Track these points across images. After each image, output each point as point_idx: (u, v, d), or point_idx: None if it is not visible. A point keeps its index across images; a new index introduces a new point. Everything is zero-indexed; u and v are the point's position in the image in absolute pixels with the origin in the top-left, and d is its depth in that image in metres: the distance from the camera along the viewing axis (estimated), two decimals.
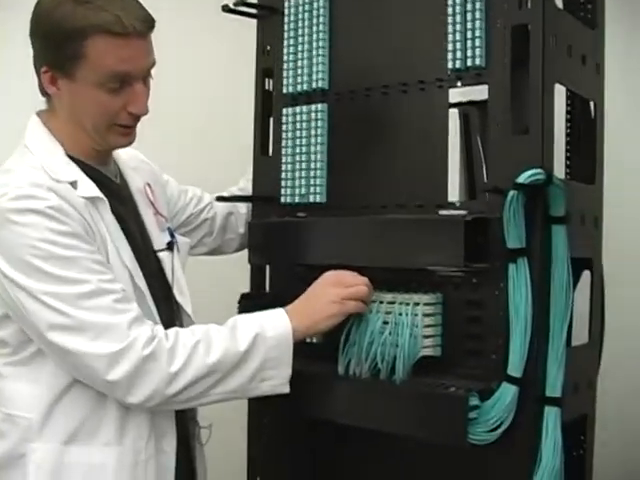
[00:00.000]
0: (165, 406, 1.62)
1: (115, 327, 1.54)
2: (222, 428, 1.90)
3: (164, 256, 1.81)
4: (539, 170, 1.52)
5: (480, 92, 1.68)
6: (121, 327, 1.54)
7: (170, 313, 1.78)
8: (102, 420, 1.63)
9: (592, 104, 1.84)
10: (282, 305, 1.72)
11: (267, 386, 1.64)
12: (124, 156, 1.85)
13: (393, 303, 1.67)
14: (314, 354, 1.84)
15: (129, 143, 1.73)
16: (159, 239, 1.82)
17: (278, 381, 1.64)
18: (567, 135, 1.90)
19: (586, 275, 1.87)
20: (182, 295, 1.82)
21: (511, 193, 1.52)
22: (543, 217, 1.57)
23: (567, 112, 1.87)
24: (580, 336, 1.86)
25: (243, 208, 2.07)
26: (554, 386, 1.58)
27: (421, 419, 1.60)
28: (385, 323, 1.66)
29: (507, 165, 1.58)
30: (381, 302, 1.68)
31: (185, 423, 1.82)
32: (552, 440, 1.56)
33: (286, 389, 1.65)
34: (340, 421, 1.72)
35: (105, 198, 1.66)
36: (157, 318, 1.68)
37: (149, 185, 1.85)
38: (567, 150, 1.90)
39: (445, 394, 1.57)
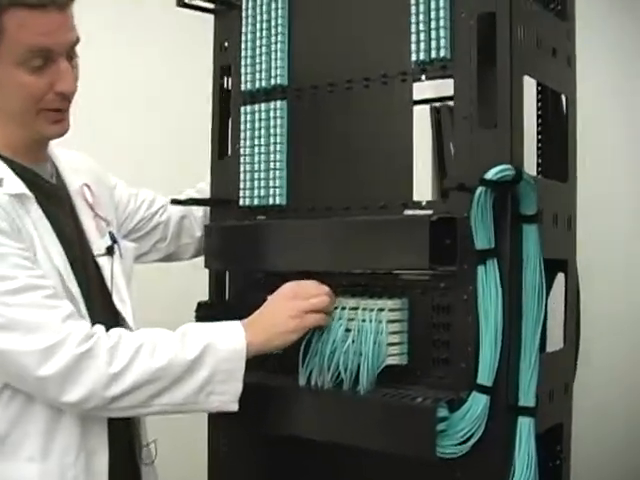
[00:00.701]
0: (104, 411, 1.51)
1: (47, 323, 1.45)
2: (175, 445, 1.79)
3: (103, 262, 1.71)
4: (508, 166, 1.44)
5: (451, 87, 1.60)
6: (53, 322, 1.45)
7: (109, 322, 1.68)
8: (27, 433, 1.52)
9: (564, 98, 1.76)
10: (242, 315, 1.63)
11: (215, 401, 1.54)
12: (65, 157, 1.75)
13: (356, 309, 1.58)
14: (272, 366, 1.75)
15: (63, 131, 1.63)
16: (98, 243, 1.72)
17: (227, 397, 1.54)
18: (538, 131, 1.81)
19: (560, 278, 1.79)
20: (122, 303, 1.72)
21: (478, 190, 1.43)
22: (513, 216, 1.48)
23: (538, 107, 1.78)
24: (555, 341, 1.78)
25: (199, 211, 1.98)
26: (527, 395, 1.49)
27: (387, 432, 1.51)
28: (348, 330, 1.57)
29: (474, 161, 1.50)
30: (343, 308, 1.59)
31: (128, 440, 1.72)
32: (525, 452, 1.47)
33: (235, 407, 1.55)
34: (303, 436, 1.62)
35: (32, 195, 1.56)
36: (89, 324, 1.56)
37: (88, 186, 1.75)
38: (538, 147, 1.82)
39: (412, 405, 1.48)
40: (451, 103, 1.61)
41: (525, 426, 1.48)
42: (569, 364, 1.78)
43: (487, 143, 1.49)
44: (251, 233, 1.74)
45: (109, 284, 1.69)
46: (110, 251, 1.71)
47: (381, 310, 1.54)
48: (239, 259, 1.76)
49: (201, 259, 2.00)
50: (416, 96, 1.62)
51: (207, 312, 1.80)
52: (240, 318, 1.76)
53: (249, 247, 1.73)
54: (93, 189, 1.76)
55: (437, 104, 2.16)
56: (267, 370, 1.74)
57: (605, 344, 1.92)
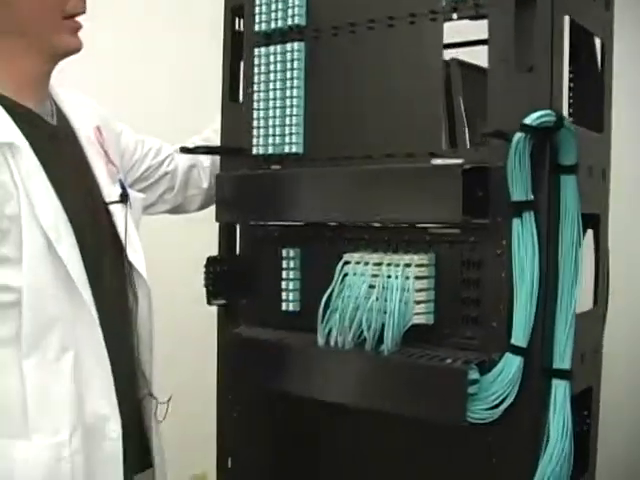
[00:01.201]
0: None
1: None
2: (179, 403, 1.71)
3: (116, 210, 1.61)
4: (548, 111, 1.33)
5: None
6: None
7: (121, 276, 1.60)
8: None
9: (599, 42, 1.65)
10: (254, 270, 1.53)
11: None
12: (68, 97, 1.63)
13: (380, 265, 1.48)
14: (289, 324, 1.66)
15: (80, 45, 1.53)
16: (110, 190, 1.61)
17: None
18: (570, 77, 1.70)
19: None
20: (136, 254, 1.63)
21: (517, 136, 1.33)
22: (551, 166, 1.38)
23: (571, 51, 1.67)
24: (583, 302, 1.69)
25: (207, 161, 1.87)
26: (563, 357, 1.40)
27: (413, 395, 1.41)
28: (371, 287, 1.47)
29: (510, 107, 1.39)
30: (366, 263, 1.49)
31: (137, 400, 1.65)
32: (561, 418, 1.38)
33: None
34: (321, 398, 1.52)
35: (22, 144, 1.43)
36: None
37: (99, 129, 1.63)
38: (570, 93, 1.71)
39: (441, 367, 1.39)
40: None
41: (561, 390, 1.39)
42: (599, 325, 1.69)
43: (525, 88, 1.38)
44: (266, 183, 1.63)
45: (122, 234, 1.58)
46: (124, 199, 1.60)
47: (407, 266, 1.45)
48: (253, 211, 1.65)
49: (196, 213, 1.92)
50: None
51: (217, 267, 1.70)
52: (252, 274, 1.67)
53: (264, 198, 1.63)
54: (102, 131, 1.64)
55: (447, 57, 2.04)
56: (284, 327, 1.65)
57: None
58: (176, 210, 1.91)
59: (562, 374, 1.39)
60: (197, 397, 1.87)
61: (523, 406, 1.38)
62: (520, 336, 1.37)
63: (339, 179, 1.54)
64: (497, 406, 1.38)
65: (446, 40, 1.49)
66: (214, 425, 1.78)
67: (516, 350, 1.38)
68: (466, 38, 1.75)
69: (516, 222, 1.37)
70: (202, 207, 1.91)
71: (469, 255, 1.45)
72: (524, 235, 1.37)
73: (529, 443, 1.39)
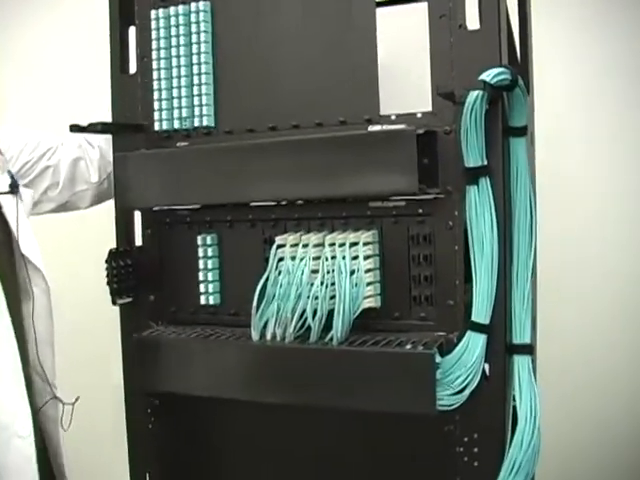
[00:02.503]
0: None
1: None
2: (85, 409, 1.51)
3: (5, 201, 1.41)
4: (504, 69, 1.23)
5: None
6: None
7: (14, 271, 1.41)
8: None
9: None
10: (164, 262, 1.35)
11: None
12: None
13: (320, 246, 1.33)
14: (209, 319, 1.48)
15: None
16: None
17: None
18: None
19: None
20: (30, 247, 1.44)
21: (473, 95, 1.22)
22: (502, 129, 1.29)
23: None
24: None
25: (95, 153, 1.65)
26: (523, 331, 1.31)
27: (375, 387, 1.28)
28: (314, 272, 1.32)
29: (457, 67, 1.29)
30: (305, 245, 1.34)
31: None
32: (528, 396, 1.29)
33: None
34: (263, 400, 1.36)
35: None
36: None
37: None
38: None
39: (403, 353, 1.26)
40: None
41: (524, 366, 1.30)
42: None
43: (472, 46, 1.28)
44: (175, 161, 1.44)
45: (13, 226, 1.35)
46: (14, 189, 1.37)
47: (354, 244, 1.31)
48: (162, 194, 1.45)
49: None
50: None
51: (120, 261, 1.49)
52: (161, 266, 1.49)
53: (173, 178, 1.43)
54: None
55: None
56: (202, 324, 1.48)
57: (606, 344, 1.81)
58: (64, 208, 1.67)
59: (524, 349, 1.31)
60: (105, 403, 1.65)
61: (488, 387, 1.28)
62: (482, 313, 1.27)
63: (263, 152, 1.37)
64: (462, 390, 1.28)
65: None
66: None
67: (478, 328, 1.27)
68: None
69: (472, 190, 1.27)
70: (94, 203, 1.69)
71: (417, 229, 1.34)
72: (481, 204, 1.27)
73: (496, 427, 1.30)
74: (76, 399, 1.49)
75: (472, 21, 1.29)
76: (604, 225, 1.84)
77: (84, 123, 1.47)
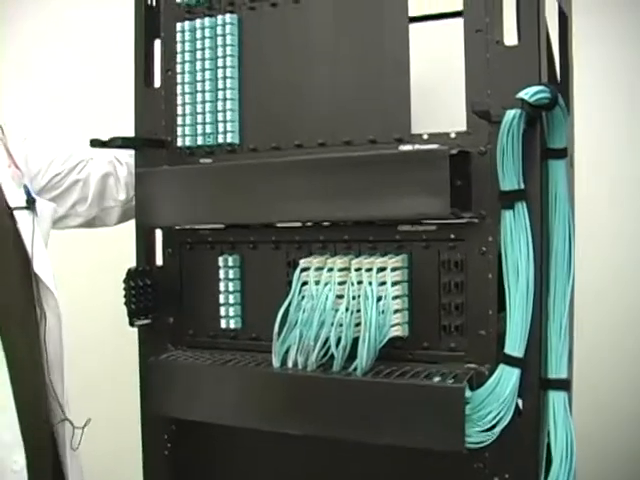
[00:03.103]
0: None
1: None
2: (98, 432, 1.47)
3: (22, 216, 1.38)
4: (543, 87, 1.17)
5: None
6: None
7: (26, 290, 1.38)
8: None
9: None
10: (184, 283, 1.30)
11: None
12: None
13: (346, 270, 1.27)
14: (229, 344, 1.43)
15: None
16: (14, 194, 1.38)
17: None
18: None
19: None
20: (43, 265, 1.40)
21: (510, 113, 1.15)
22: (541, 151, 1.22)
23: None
24: None
25: (124, 170, 1.61)
26: (559, 365, 1.23)
27: (401, 422, 1.20)
28: (339, 297, 1.26)
29: (493, 84, 1.22)
30: (330, 269, 1.27)
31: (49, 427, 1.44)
32: (564, 434, 1.22)
33: None
34: (282, 430, 1.30)
35: None
36: None
37: (1, 128, 1.37)
38: None
39: (432, 386, 1.19)
40: None
41: (560, 402, 1.23)
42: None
43: (508, 63, 1.21)
44: (198, 179, 1.39)
45: (28, 244, 1.32)
46: (30, 205, 1.34)
47: (382, 270, 1.24)
48: (182, 212, 1.40)
49: None
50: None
51: (139, 280, 1.43)
52: (182, 287, 1.43)
53: (195, 197, 1.38)
54: (5, 131, 1.38)
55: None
56: (222, 348, 1.42)
57: (607, 344, 1.74)
58: (91, 224, 1.64)
59: (560, 384, 1.23)
60: (119, 426, 1.60)
61: (521, 425, 1.21)
62: (516, 345, 1.20)
63: (288, 171, 1.31)
64: (493, 427, 1.20)
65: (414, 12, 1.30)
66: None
67: (512, 361, 1.20)
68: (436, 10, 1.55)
69: (508, 215, 1.20)
70: (121, 221, 1.66)
71: (449, 255, 1.27)
72: (516, 230, 1.19)
73: (528, 468, 1.22)
74: (86, 422, 1.44)
75: (510, 36, 1.23)
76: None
77: (105, 138, 1.42)
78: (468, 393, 1.19)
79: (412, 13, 1.29)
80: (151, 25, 1.49)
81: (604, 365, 1.78)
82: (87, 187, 1.59)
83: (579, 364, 1.54)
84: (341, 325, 1.24)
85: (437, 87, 1.52)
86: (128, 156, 1.62)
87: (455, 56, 1.26)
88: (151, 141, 1.46)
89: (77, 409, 1.47)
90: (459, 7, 1.25)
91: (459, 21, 1.25)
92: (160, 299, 1.47)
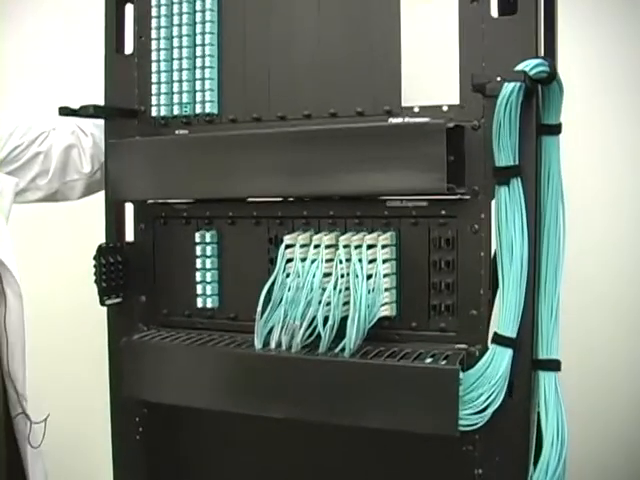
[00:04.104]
0: None
1: None
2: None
3: None
4: (542, 60, 1.13)
5: None
6: None
7: None
8: None
9: None
10: (158, 260, 1.23)
11: None
12: None
13: (333, 247, 1.22)
14: (206, 324, 1.37)
15: None
16: None
17: None
18: None
19: None
20: (3, 247, 1.33)
21: (509, 87, 1.11)
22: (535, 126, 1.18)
23: None
24: None
25: (88, 141, 1.53)
26: (550, 345, 1.21)
27: (391, 404, 1.16)
28: (327, 275, 1.21)
29: (488, 57, 1.18)
30: (316, 246, 1.22)
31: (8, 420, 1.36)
32: (554, 416, 1.19)
33: None
34: (266, 414, 1.24)
35: None
36: None
37: None
38: None
39: (424, 368, 1.15)
40: None
41: (551, 383, 1.21)
42: None
43: (504, 34, 1.17)
44: (175, 151, 1.32)
45: None
46: None
47: (371, 247, 1.20)
48: (159, 185, 1.33)
49: None
50: None
51: (110, 257, 1.36)
52: (153, 262, 1.37)
53: (172, 169, 1.31)
54: None
55: None
56: (198, 328, 1.36)
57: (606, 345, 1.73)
58: (53, 197, 1.55)
59: (551, 364, 1.21)
60: (84, 418, 1.53)
61: (513, 406, 1.18)
62: (509, 325, 1.17)
63: (270, 143, 1.25)
64: (485, 409, 1.17)
65: None
66: (106, 452, 1.45)
67: (504, 341, 1.17)
68: None
69: (503, 191, 1.16)
70: (85, 194, 1.57)
71: (439, 232, 1.23)
72: (512, 206, 1.16)
73: (519, 450, 1.19)
74: (46, 417, 1.37)
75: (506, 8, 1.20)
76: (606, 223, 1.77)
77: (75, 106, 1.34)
78: (460, 374, 1.16)
79: None
80: None
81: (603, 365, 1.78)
82: (49, 160, 1.50)
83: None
84: (328, 304, 1.19)
85: (428, 58, 1.47)
86: (93, 126, 1.54)
87: (448, 27, 1.22)
88: (123, 111, 1.38)
89: (37, 400, 1.40)
90: None
91: None
92: (132, 277, 1.40)
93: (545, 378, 1.20)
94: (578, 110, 1.68)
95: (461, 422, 1.16)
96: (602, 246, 1.72)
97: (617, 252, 1.73)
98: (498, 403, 1.17)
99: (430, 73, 1.40)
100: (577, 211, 1.60)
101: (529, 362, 1.19)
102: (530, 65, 1.11)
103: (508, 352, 1.17)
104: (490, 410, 1.17)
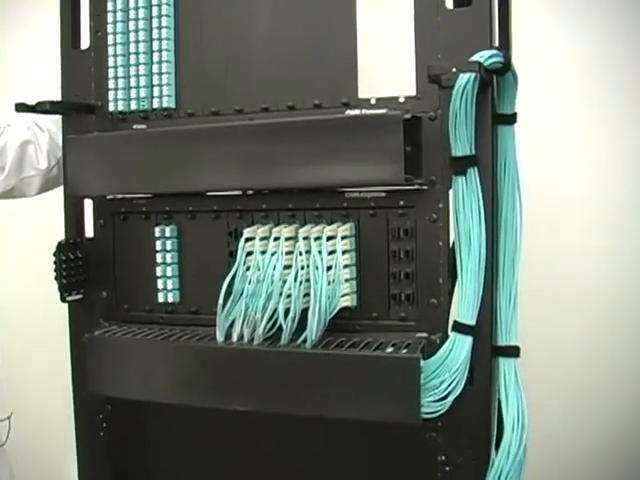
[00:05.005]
0: None
1: None
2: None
3: None
4: (497, 51, 1.14)
5: None
6: None
7: None
8: None
9: None
10: (118, 255, 1.23)
11: None
12: None
13: (293, 239, 1.23)
14: (168, 318, 1.37)
15: None
16: None
17: None
18: None
19: None
20: None
21: (464, 77, 1.12)
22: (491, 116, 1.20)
23: None
24: None
25: (44, 136, 1.52)
26: (509, 331, 1.23)
27: (353, 394, 1.17)
28: (287, 267, 1.21)
29: (444, 48, 1.19)
30: (276, 238, 1.23)
31: None
32: (515, 402, 1.21)
33: None
34: (229, 407, 1.25)
35: None
36: None
37: None
38: None
39: (386, 357, 1.16)
40: None
41: (511, 369, 1.22)
42: None
43: (460, 26, 1.19)
44: (133, 145, 1.31)
45: None
46: None
47: (330, 238, 1.21)
48: (117, 180, 1.32)
49: None
50: None
51: (70, 254, 1.36)
52: (113, 258, 1.37)
53: (130, 164, 1.31)
54: None
55: None
56: (160, 323, 1.36)
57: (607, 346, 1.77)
58: (9, 195, 1.54)
59: (510, 351, 1.22)
60: (48, 415, 1.52)
61: (473, 393, 1.20)
62: (468, 313, 1.18)
63: (227, 137, 1.25)
64: (446, 396, 1.19)
65: None
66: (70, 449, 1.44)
67: (464, 329, 1.19)
68: None
69: (460, 181, 1.17)
70: (42, 191, 1.57)
71: (398, 223, 1.24)
72: (469, 196, 1.17)
73: (481, 435, 1.21)
74: (9, 415, 1.36)
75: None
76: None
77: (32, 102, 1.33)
78: (421, 362, 1.17)
79: None
80: None
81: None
82: (4, 156, 1.50)
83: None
84: (289, 296, 1.19)
85: (384, 49, 1.48)
86: (50, 122, 1.53)
87: (403, 19, 1.23)
88: (81, 106, 1.38)
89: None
90: None
91: None
92: (92, 273, 1.40)
93: (505, 364, 1.22)
94: (578, 106, 1.74)
95: (423, 410, 1.17)
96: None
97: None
98: (459, 390, 1.18)
99: (387, 64, 1.41)
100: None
101: (489, 349, 1.20)
102: (485, 56, 1.12)
103: (468, 340, 1.18)
104: (452, 397, 1.19)
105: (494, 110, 1.20)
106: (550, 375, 1.76)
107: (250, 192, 1.31)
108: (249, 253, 1.24)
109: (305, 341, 1.20)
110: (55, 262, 1.34)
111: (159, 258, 1.35)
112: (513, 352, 1.23)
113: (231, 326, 1.25)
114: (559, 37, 1.78)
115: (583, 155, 1.79)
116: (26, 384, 1.60)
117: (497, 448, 1.21)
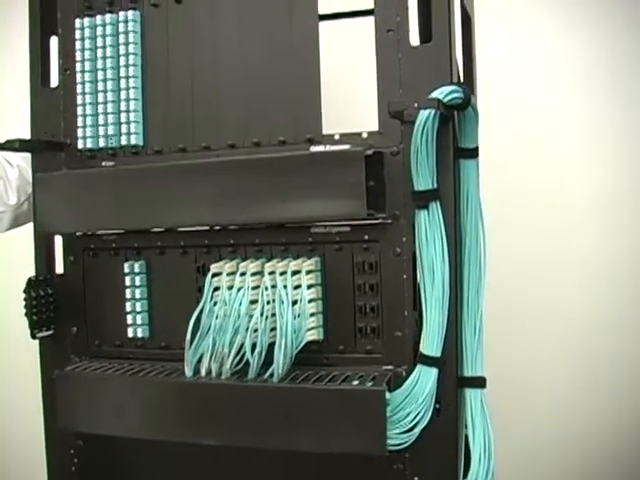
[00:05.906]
0: None
1: None
2: None
3: None
4: (456, 87, 1.17)
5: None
6: None
7: None
8: None
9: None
10: (88, 291, 1.24)
11: None
12: None
13: (259, 274, 1.24)
14: (137, 353, 1.37)
15: None
16: None
17: None
18: None
19: None
20: None
21: (424, 114, 1.14)
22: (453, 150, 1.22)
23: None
24: None
25: (14, 172, 1.53)
26: (474, 363, 1.24)
27: (320, 427, 1.18)
28: (253, 302, 1.23)
29: (405, 84, 1.21)
30: (243, 274, 1.24)
31: None
32: (481, 433, 1.22)
33: None
34: (200, 441, 1.25)
35: None
36: None
37: None
38: None
39: (351, 390, 1.17)
40: None
41: (477, 400, 1.24)
42: None
43: (420, 62, 1.21)
44: (102, 182, 1.32)
45: None
46: None
47: (295, 273, 1.22)
48: (86, 217, 1.33)
49: None
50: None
51: (40, 290, 1.36)
52: (83, 293, 1.37)
53: (98, 201, 1.32)
54: None
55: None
56: (130, 358, 1.37)
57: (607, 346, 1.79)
58: None
59: (476, 382, 1.24)
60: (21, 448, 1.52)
61: (440, 424, 1.21)
62: (433, 345, 1.19)
63: (194, 174, 1.27)
64: (413, 428, 1.20)
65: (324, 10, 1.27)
66: None
67: (429, 361, 1.20)
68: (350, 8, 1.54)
69: (422, 215, 1.19)
70: (12, 227, 1.58)
71: (363, 257, 1.25)
72: (432, 230, 1.19)
73: (448, 467, 1.22)
74: None
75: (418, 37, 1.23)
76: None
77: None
78: (387, 395, 1.18)
79: (322, 11, 1.27)
80: (47, 20, 1.41)
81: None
82: None
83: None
84: (256, 331, 1.21)
85: (348, 87, 1.50)
86: (20, 158, 1.55)
87: (366, 55, 1.25)
88: (50, 144, 1.39)
89: None
90: (370, 5, 1.24)
91: (370, 20, 1.24)
92: (62, 309, 1.40)
93: (471, 395, 1.24)
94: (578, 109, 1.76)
95: (390, 442, 1.18)
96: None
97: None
98: (426, 421, 1.19)
99: (351, 100, 1.43)
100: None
101: (455, 380, 1.22)
102: (444, 92, 1.14)
103: (433, 371, 1.19)
104: (418, 429, 1.20)
105: (456, 144, 1.22)
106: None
107: (217, 228, 1.33)
108: (216, 288, 1.25)
109: (272, 375, 1.21)
110: (25, 299, 1.35)
111: (128, 293, 1.36)
112: (479, 383, 1.24)
113: (199, 361, 1.26)
114: (559, 37, 1.80)
115: (583, 155, 1.81)
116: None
117: (465, 478, 1.23)
